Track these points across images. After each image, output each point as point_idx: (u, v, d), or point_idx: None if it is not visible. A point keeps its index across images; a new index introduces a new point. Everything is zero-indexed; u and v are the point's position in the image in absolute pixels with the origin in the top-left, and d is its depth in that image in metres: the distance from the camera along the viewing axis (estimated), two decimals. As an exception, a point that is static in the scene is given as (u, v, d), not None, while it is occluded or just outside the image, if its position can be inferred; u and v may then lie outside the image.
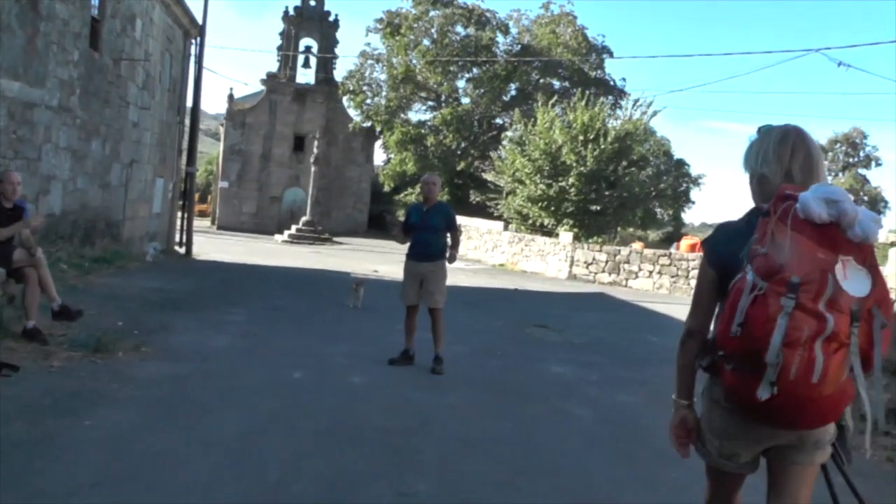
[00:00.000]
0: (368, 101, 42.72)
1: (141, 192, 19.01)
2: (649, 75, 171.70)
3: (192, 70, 23.68)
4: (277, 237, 36.94)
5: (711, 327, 2.71)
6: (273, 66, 45.40)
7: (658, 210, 41.46)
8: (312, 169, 37.08)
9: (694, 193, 50.17)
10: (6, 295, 8.05)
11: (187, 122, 24.34)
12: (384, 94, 42.44)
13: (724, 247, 2.61)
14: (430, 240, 8.35)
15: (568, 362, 9.39)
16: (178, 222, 23.94)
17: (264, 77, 43.94)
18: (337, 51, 44.41)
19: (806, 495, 2.71)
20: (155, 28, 19.07)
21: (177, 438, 5.23)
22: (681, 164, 46.37)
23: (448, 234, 8.50)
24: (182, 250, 22.87)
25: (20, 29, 11.04)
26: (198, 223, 45.58)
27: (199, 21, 23.08)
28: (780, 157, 2.61)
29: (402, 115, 42.74)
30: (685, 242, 28.39)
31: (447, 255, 8.48)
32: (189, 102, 23.91)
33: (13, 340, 7.47)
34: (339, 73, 44.64)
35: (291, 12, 43.43)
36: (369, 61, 43.00)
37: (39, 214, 8.37)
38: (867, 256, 2.32)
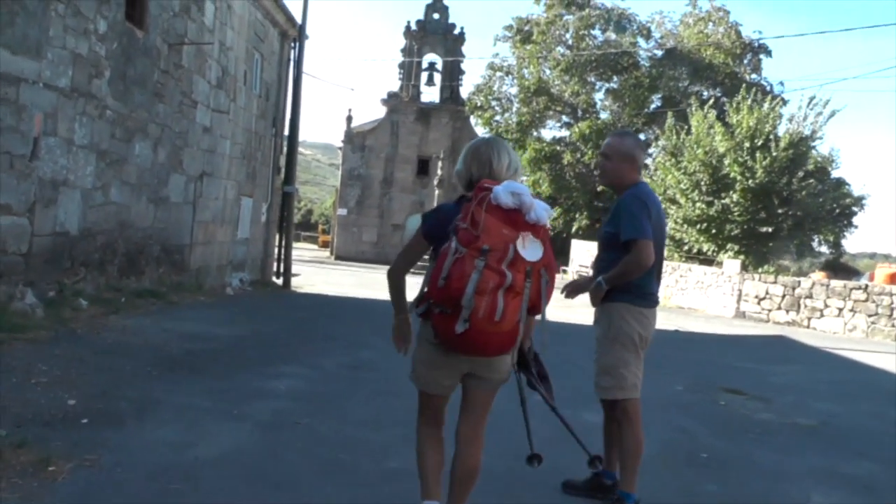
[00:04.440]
0: (498, 117, 39.26)
1: (218, 212, 15.80)
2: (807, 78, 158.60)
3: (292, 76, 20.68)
4: (398, 268, 33.61)
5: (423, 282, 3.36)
6: (394, 84, 42.45)
7: (815, 236, 35.43)
8: (437, 193, 33.75)
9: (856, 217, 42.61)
10: None
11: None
12: (515, 108, 38.87)
13: (438, 221, 3.43)
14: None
15: (825, 477, 5.23)
16: (277, 250, 20.80)
17: (385, 97, 41.09)
18: (463, 66, 41.30)
19: (485, 411, 3.55)
20: (235, 18, 15.95)
21: None
22: (840, 183, 39.83)
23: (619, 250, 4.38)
24: (279, 282, 19.75)
25: (-16, -33, 7.83)
26: (316, 253, 43.53)
27: (299, 20, 20.12)
28: (466, 160, 3.56)
29: (534, 132, 38.99)
30: (882, 272, 22.98)
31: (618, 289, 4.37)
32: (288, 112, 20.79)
33: None
34: (465, 90, 41.48)
35: (413, 27, 40.57)
36: (498, 74, 39.57)
37: None
38: (541, 234, 3.12)
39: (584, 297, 4.56)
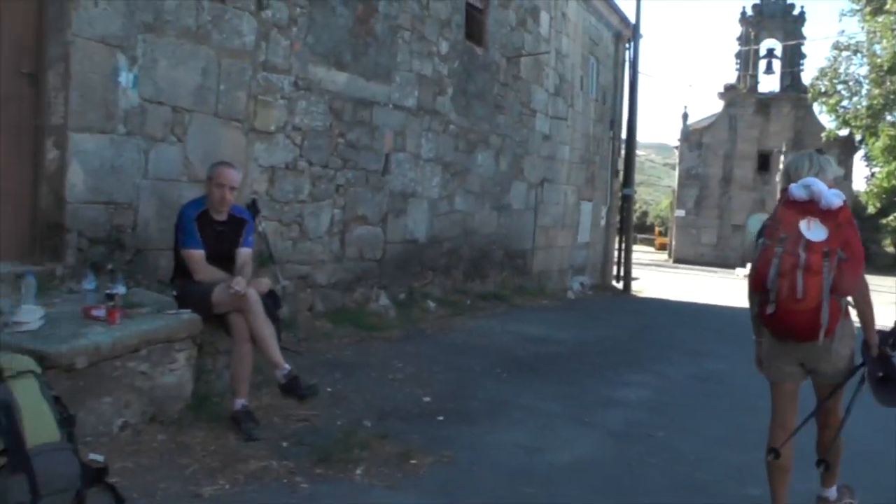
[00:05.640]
0: (845, 102, 35.87)
1: (558, 217, 16.03)
2: None
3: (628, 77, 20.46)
4: (739, 271, 31.68)
5: None
6: (731, 76, 40.77)
7: None
8: (779, 189, 31.75)
9: None
10: (211, 354, 5.13)
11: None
12: (864, 91, 35.42)
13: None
14: None
15: None
16: (616, 254, 20.65)
17: (721, 90, 39.59)
18: (804, 50, 38.68)
19: (833, 403, 3.86)
20: (570, 25, 16.11)
21: None
22: None
23: None
24: (619, 286, 19.64)
25: (342, 5, 8.51)
26: (654, 256, 42.86)
27: (632, 20, 19.92)
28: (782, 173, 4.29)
29: (888, 116, 35.33)
30: None
31: None
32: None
33: (206, 427, 4.60)
34: (807, 76, 38.82)
35: (749, 12, 38.65)
36: (845, 53, 36.08)
37: (262, 280, 5.32)
38: (838, 217, 3.52)
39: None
